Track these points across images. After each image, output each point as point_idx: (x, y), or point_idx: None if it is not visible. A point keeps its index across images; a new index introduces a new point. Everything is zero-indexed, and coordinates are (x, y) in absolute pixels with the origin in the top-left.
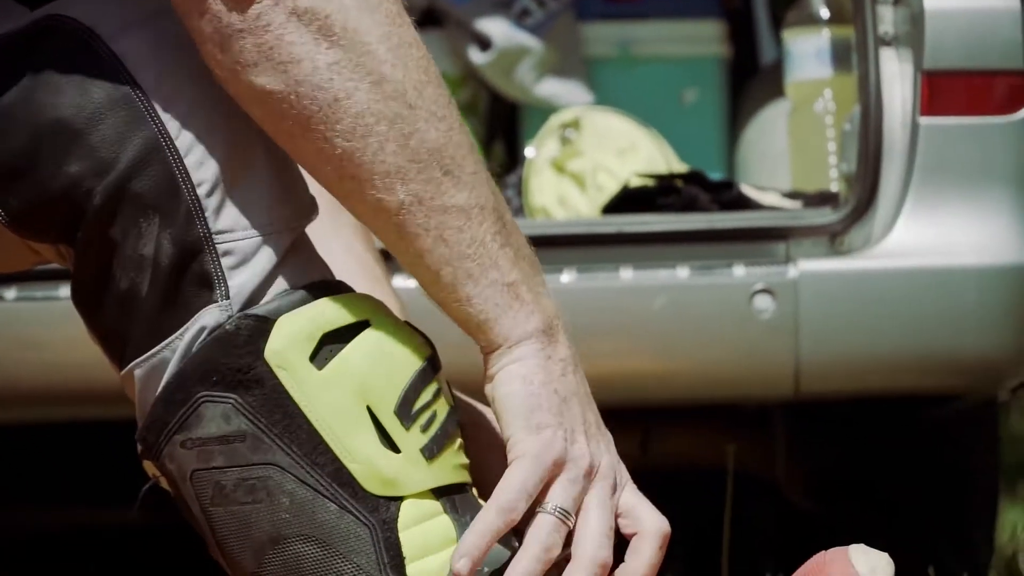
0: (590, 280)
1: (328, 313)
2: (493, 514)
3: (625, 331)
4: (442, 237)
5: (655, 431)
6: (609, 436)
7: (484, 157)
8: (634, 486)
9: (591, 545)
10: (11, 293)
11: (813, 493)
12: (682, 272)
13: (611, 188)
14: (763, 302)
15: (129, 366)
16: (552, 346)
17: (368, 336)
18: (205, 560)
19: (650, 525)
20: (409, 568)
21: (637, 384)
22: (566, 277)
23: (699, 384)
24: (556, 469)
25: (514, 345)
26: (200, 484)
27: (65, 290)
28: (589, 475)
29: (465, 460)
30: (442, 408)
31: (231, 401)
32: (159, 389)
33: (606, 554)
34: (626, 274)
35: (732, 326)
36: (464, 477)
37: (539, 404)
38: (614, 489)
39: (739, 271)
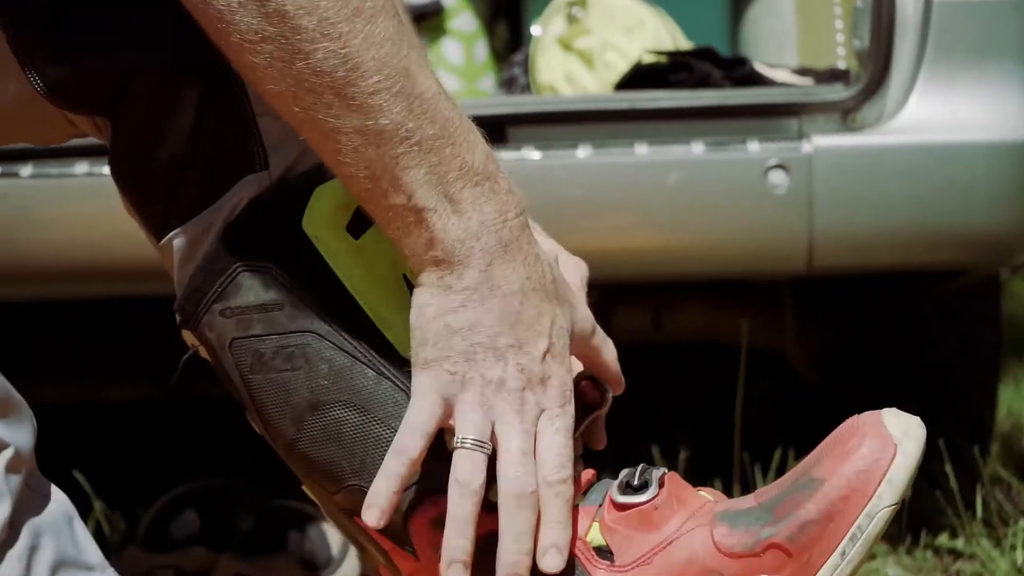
0: (605, 156)
1: None
2: (391, 458)
3: (640, 207)
4: (338, 158)
5: (667, 307)
6: (554, 354)
7: (487, 36)
8: None
9: (507, 466)
10: (27, 170)
11: (822, 368)
12: (696, 148)
13: (619, 66)
14: (777, 177)
15: (168, 236)
16: (454, 274)
17: None
18: (242, 429)
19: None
20: (446, 432)
21: (651, 259)
22: (581, 153)
23: (713, 259)
24: (448, 403)
25: (419, 272)
26: (239, 352)
27: (81, 166)
28: (503, 397)
29: None
30: None
31: (269, 270)
32: (199, 259)
33: (523, 472)
34: (641, 150)
35: (746, 201)
36: None
37: (426, 339)
38: (559, 405)
39: (753, 147)
